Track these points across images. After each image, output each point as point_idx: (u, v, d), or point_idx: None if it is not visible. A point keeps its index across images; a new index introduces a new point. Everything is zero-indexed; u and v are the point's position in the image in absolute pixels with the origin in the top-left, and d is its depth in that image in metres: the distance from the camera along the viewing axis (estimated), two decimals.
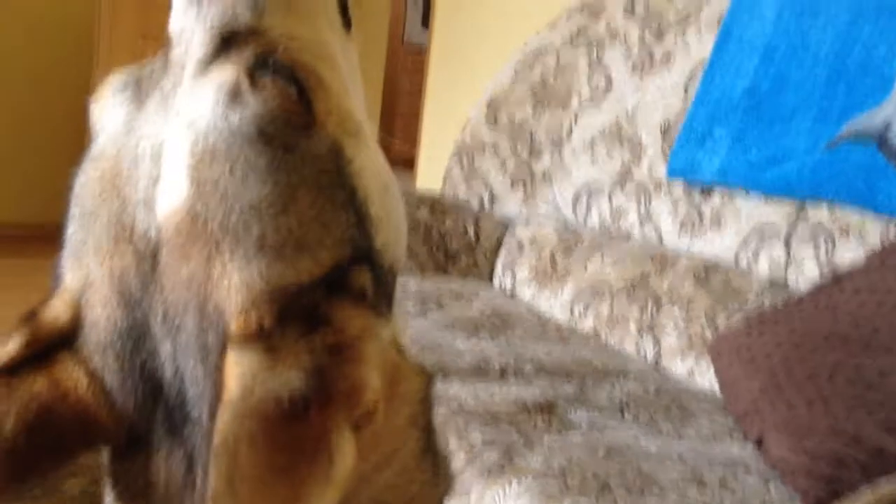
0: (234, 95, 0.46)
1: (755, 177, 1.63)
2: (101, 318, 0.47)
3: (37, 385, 0.47)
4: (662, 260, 1.76)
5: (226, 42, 0.48)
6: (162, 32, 0.51)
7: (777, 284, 1.57)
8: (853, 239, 1.48)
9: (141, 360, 0.46)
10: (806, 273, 1.53)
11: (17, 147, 4.07)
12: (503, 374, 1.45)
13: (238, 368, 0.42)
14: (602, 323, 1.78)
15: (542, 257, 2.02)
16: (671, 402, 1.39)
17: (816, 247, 1.53)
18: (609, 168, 1.97)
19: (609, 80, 2.05)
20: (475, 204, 2.21)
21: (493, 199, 2.19)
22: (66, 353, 0.48)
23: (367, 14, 4.48)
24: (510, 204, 2.17)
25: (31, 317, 0.49)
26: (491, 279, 2.13)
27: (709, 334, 1.57)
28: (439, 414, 1.23)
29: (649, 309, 1.70)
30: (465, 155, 2.26)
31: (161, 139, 0.47)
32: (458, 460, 1.14)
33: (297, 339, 0.44)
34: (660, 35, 1.97)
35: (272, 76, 0.47)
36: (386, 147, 0.55)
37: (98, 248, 0.48)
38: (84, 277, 0.48)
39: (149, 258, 0.46)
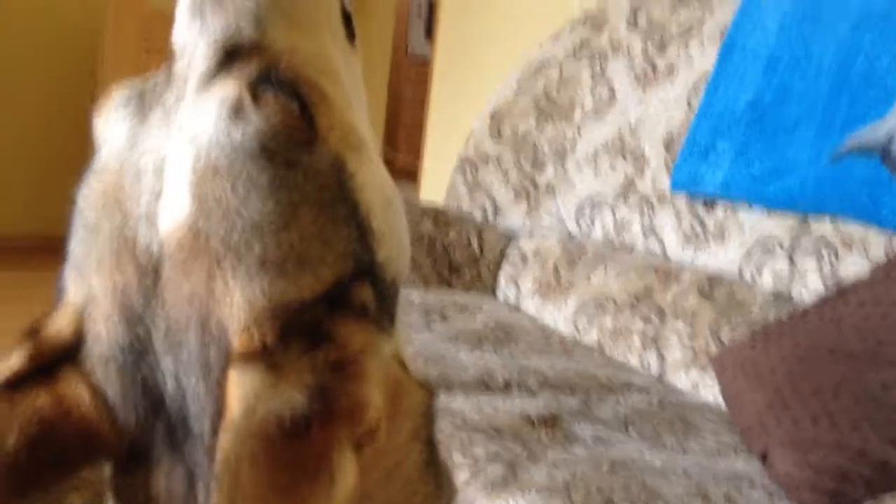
0: (237, 111, 0.46)
1: (758, 190, 1.63)
2: (103, 333, 0.47)
3: (40, 400, 0.47)
4: (666, 273, 1.76)
5: (229, 56, 0.48)
6: (166, 46, 0.51)
7: (781, 297, 1.57)
8: (857, 252, 1.48)
9: (142, 375, 0.46)
10: (810, 286, 1.53)
11: (22, 160, 4.08)
12: (507, 387, 1.45)
13: (240, 387, 0.42)
14: (606, 336, 1.78)
15: (546, 270, 2.01)
16: (675, 417, 1.39)
17: (820, 260, 1.53)
18: (612, 181, 1.97)
19: (612, 93, 2.05)
20: (479, 216, 2.21)
21: (496, 211, 2.19)
22: (68, 368, 0.48)
23: (371, 26, 4.49)
24: (514, 216, 2.17)
25: (33, 331, 0.49)
26: (494, 292, 2.13)
27: (713, 348, 1.56)
28: (443, 428, 1.22)
29: (653, 322, 1.69)
30: (469, 167, 2.26)
31: (163, 154, 0.47)
32: (462, 474, 1.13)
33: (299, 356, 0.44)
34: (663, 47, 1.98)
35: (274, 91, 0.47)
36: (389, 160, 0.55)
37: (100, 262, 0.47)
38: (86, 291, 0.48)
39: (151, 273, 0.46)
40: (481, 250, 2.15)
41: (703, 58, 1.87)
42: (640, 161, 1.93)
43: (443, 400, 1.33)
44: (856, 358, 1.21)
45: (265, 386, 0.42)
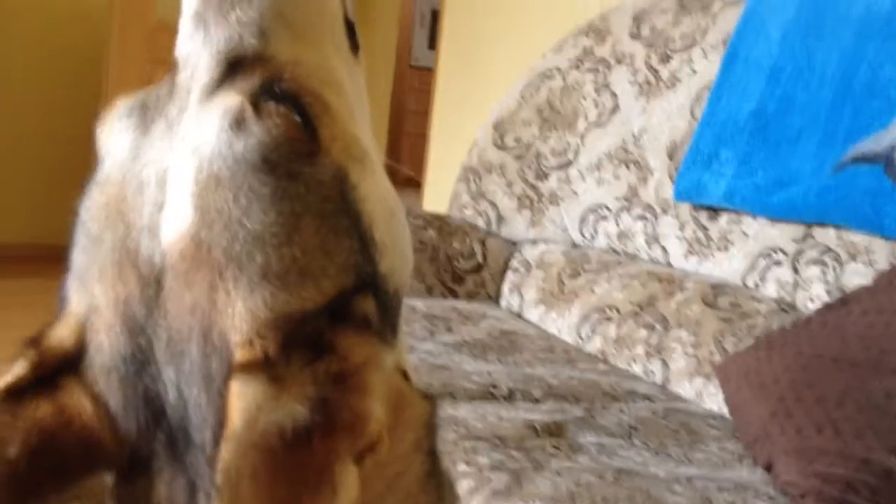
0: (239, 123, 0.46)
1: (761, 200, 1.63)
2: (105, 343, 0.47)
3: (42, 410, 0.47)
4: (670, 282, 1.76)
5: (232, 68, 0.48)
6: (171, 57, 0.51)
7: (785, 306, 1.57)
8: (860, 261, 1.47)
9: (144, 386, 0.46)
10: (814, 295, 1.53)
11: (26, 170, 4.09)
12: (511, 396, 1.44)
13: (242, 399, 0.42)
14: (609, 345, 1.77)
15: (549, 279, 2.01)
16: (680, 426, 1.39)
17: (824, 269, 1.53)
18: (616, 190, 1.97)
19: (615, 102, 2.06)
20: (482, 225, 2.21)
21: (500, 220, 2.19)
22: (71, 378, 0.48)
23: (374, 36, 4.51)
24: (517, 225, 2.17)
25: (36, 340, 0.49)
26: (498, 300, 2.13)
27: (717, 356, 1.56)
28: (447, 437, 1.22)
29: (657, 331, 1.69)
30: (472, 176, 2.26)
31: (166, 165, 0.47)
32: (466, 483, 1.13)
33: (301, 367, 0.44)
34: (665, 57, 1.98)
35: (277, 103, 0.47)
36: (392, 170, 0.55)
37: (103, 272, 0.48)
38: (89, 302, 0.48)
39: (153, 284, 0.46)
40: (485, 259, 2.15)
41: (705, 67, 1.87)
42: (643, 170, 1.93)
43: (447, 409, 1.33)
44: (859, 366, 1.21)
45: (267, 397, 0.42)
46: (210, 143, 0.46)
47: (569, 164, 2.10)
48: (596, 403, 1.45)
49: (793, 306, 1.57)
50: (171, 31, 0.52)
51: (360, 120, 0.53)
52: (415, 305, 1.86)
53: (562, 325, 1.91)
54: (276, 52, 0.49)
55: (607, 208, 1.99)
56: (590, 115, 2.11)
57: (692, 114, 1.86)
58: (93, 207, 0.49)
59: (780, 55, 1.68)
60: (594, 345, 1.81)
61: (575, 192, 2.07)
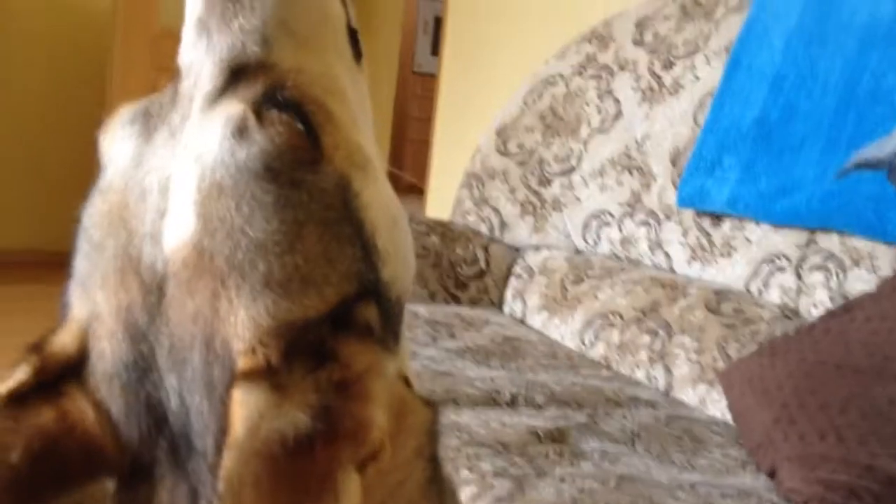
0: (241, 131, 0.46)
1: (765, 207, 1.63)
2: (108, 350, 0.47)
3: (44, 417, 0.47)
4: (673, 288, 1.76)
5: (235, 75, 0.49)
6: (175, 64, 0.51)
7: (788, 313, 1.57)
8: (864, 267, 1.47)
9: (146, 393, 0.47)
10: (817, 301, 1.53)
11: (31, 176, 4.10)
12: (514, 402, 1.44)
13: (244, 407, 0.42)
14: (613, 351, 1.77)
15: (552, 285, 2.01)
16: (683, 432, 1.38)
17: (827, 275, 1.53)
18: (619, 196, 1.97)
19: (618, 109, 2.06)
20: (485, 231, 2.21)
21: (503, 226, 2.19)
22: (73, 385, 0.48)
23: (377, 43, 4.51)
24: (520, 231, 2.17)
25: (38, 346, 0.49)
26: (501, 306, 2.13)
27: (720, 363, 1.56)
28: (450, 443, 1.22)
29: (660, 337, 1.69)
30: (475, 182, 2.26)
31: (168, 173, 0.47)
32: (469, 490, 1.13)
33: (303, 375, 0.44)
34: (668, 64, 1.98)
35: (279, 111, 0.47)
36: (396, 178, 0.55)
37: (105, 279, 0.48)
38: (91, 308, 0.48)
39: (155, 291, 0.46)
40: (488, 265, 2.15)
41: (708, 74, 1.87)
42: (646, 176, 1.93)
43: (450, 415, 1.33)
44: (863, 373, 1.21)
45: (269, 405, 0.42)
46: (213, 151, 0.46)
47: (572, 170, 2.11)
48: (599, 410, 1.45)
49: (796, 312, 1.57)
50: (174, 38, 0.52)
51: (362, 127, 0.53)
52: (418, 311, 1.86)
53: (565, 331, 1.91)
54: (279, 60, 0.50)
55: (610, 214, 1.99)
56: (593, 121, 2.11)
57: (695, 120, 1.86)
58: (95, 214, 0.49)
59: (783, 62, 1.68)
60: (597, 351, 1.81)
61: (578, 199, 2.07)
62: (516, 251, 2.18)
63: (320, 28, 0.53)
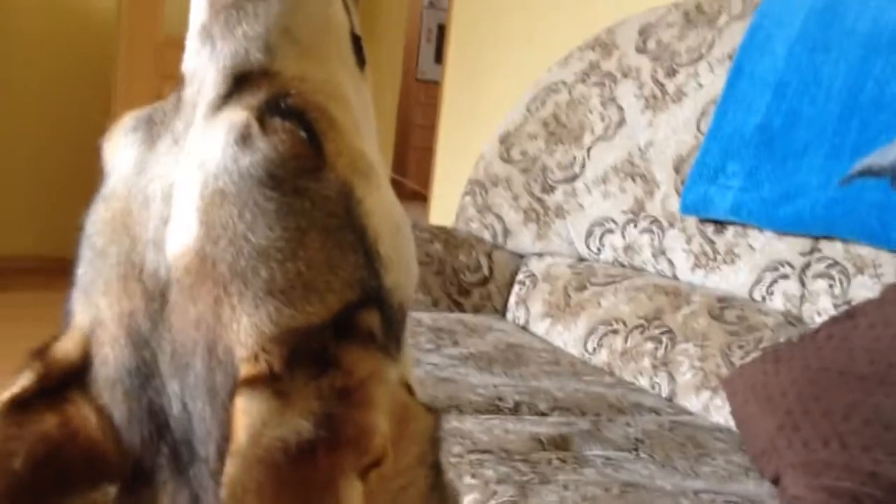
0: (244, 138, 0.46)
1: (768, 213, 1.63)
2: (110, 356, 0.47)
3: (47, 423, 0.47)
4: (676, 295, 1.76)
5: (238, 83, 0.49)
6: (178, 72, 0.51)
7: (792, 320, 1.57)
8: (867, 274, 1.47)
9: (148, 399, 0.47)
10: (821, 308, 1.53)
11: (36, 183, 4.11)
12: (517, 409, 1.44)
13: (247, 414, 0.42)
14: (616, 358, 1.77)
15: (556, 292, 2.01)
16: (686, 439, 1.38)
17: (831, 282, 1.52)
18: (622, 203, 1.97)
19: (621, 116, 2.06)
20: (488, 238, 2.21)
21: (506, 233, 2.19)
22: (76, 390, 0.48)
23: (381, 50, 4.52)
24: (523, 238, 2.18)
25: (42, 352, 0.49)
26: (504, 313, 2.13)
27: (724, 369, 1.56)
28: (453, 450, 1.22)
29: (663, 344, 1.69)
30: (479, 189, 2.27)
31: (172, 180, 0.47)
32: (472, 496, 1.13)
33: (306, 382, 0.44)
34: (671, 71, 1.98)
35: (283, 119, 0.47)
36: (399, 186, 0.55)
37: (108, 286, 0.48)
38: (94, 315, 0.48)
39: (158, 298, 0.46)
40: (491, 272, 2.15)
41: (711, 81, 1.87)
42: (649, 184, 1.93)
43: (453, 422, 1.33)
44: (866, 380, 1.20)
45: (272, 412, 0.42)
46: (216, 159, 0.46)
47: (575, 177, 2.11)
48: (602, 416, 1.45)
49: (800, 319, 1.57)
50: (178, 46, 0.52)
51: (366, 134, 0.53)
52: (421, 318, 1.86)
53: (568, 338, 1.91)
54: (283, 68, 0.50)
55: (613, 221, 1.99)
56: (596, 128, 2.11)
57: (698, 127, 1.86)
58: (98, 221, 0.49)
59: (786, 69, 1.68)
60: (600, 358, 1.80)
61: (581, 206, 2.07)
62: (519, 258, 2.18)
63: (324, 35, 0.53)
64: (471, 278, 2.13)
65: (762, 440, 1.28)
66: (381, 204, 0.50)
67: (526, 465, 1.21)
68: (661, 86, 1.99)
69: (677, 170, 1.87)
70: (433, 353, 1.67)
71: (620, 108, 2.07)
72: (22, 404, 0.47)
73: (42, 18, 4.06)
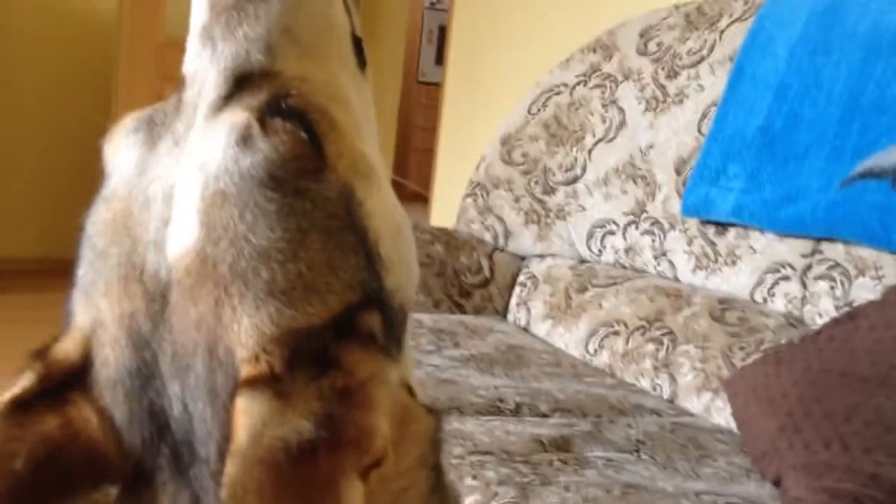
0: (245, 139, 0.46)
1: (769, 215, 1.63)
2: (111, 357, 0.47)
3: (48, 424, 0.47)
4: (678, 297, 1.76)
5: (239, 84, 0.49)
6: (180, 74, 0.51)
7: (793, 321, 1.56)
8: (868, 276, 1.47)
9: (149, 400, 0.47)
10: (822, 310, 1.52)
11: (36, 185, 4.11)
12: (518, 410, 1.44)
13: (247, 415, 0.42)
14: (617, 359, 1.77)
15: (557, 293, 2.01)
16: (688, 441, 1.38)
17: (832, 284, 1.52)
18: (623, 205, 1.97)
19: (622, 118, 2.06)
20: (489, 240, 2.21)
21: (507, 235, 2.19)
22: (77, 391, 0.48)
23: (382, 52, 4.52)
24: (524, 240, 2.18)
25: (42, 353, 0.49)
26: (505, 315, 2.13)
27: (725, 371, 1.55)
28: (455, 451, 1.22)
29: (664, 345, 1.69)
30: (480, 191, 2.27)
31: (172, 181, 0.47)
32: (473, 498, 1.13)
33: (306, 383, 0.44)
34: (673, 73, 1.98)
35: (284, 120, 0.47)
36: (400, 187, 0.55)
37: (108, 287, 0.48)
38: (94, 316, 0.48)
39: (158, 299, 0.46)
40: (492, 274, 2.15)
41: (713, 83, 1.87)
42: (650, 185, 1.93)
43: (454, 423, 1.33)
44: (867, 381, 1.20)
45: (272, 413, 0.42)
46: (216, 160, 0.46)
47: (576, 179, 2.11)
48: (603, 418, 1.45)
49: (801, 321, 1.57)
50: (179, 47, 0.52)
51: (367, 135, 0.53)
52: (422, 320, 1.86)
53: (569, 339, 1.91)
54: (284, 69, 0.50)
55: (615, 223, 1.99)
56: (597, 130, 2.11)
57: (699, 129, 1.86)
58: (99, 222, 0.49)
59: (788, 72, 1.68)
60: (601, 359, 1.80)
61: (582, 207, 2.07)
62: (521, 260, 2.18)
63: (325, 36, 0.53)
64: (472, 280, 2.13)
65: (763, 442, 1.28)
66: (382, 205, 0.50)
67: (527, 466, 1.21)
68: (663, 88, 1.99)
69: (678, 171, 1.87)
70: (434, 355, 1.67)
71: (621, 110, 2.07)
72: (23, 405, 0.47)
73: (43, 19, 4.07)
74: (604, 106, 2.12)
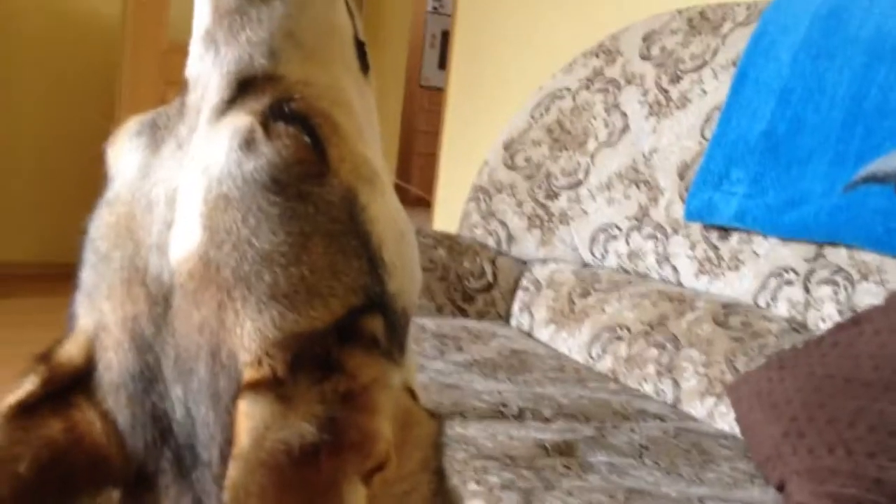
0: (248, 143, 0.46)
1: (773, 220, 1.63)
2: (114, 360, 0.47)
3: (52, 427, 0.47)
4: (681, 301, 1.75)
5: (242, 88, 0.49)
6: (183, 78, 0.52)
7: (797, 326, 1.56)
8: (872, 280, 1.47)
9: (152, 403, 0.47)
10: (825, 315, 1.52)
11: (40, 189, 4.12)
12: (521, 415, 1.44)
13: (250, 418, 0.42)
14: (620, 364, 1.77)
15: (560, 298, 2.01)
16: (691, 446, 1.38)
17: (836, 288, 1.52)
18: (626, 209, 1.97)
19: (625, 122, 2.06)
20: (492, 244, 2.21)
21: (510, 239, 2.19)
22: (80, 395, 0.48)
23: (385, 56, 4.53)
24: (527, 245, 2.17)
25: (46, 357, 0.49)
26: (508, 319, 2.13)
27: (728, 376, 1.55)
28: (457, 457, 1.22)
29: (668, 350, 1.69)
30: (483, 196, 2.27)
31: (175, 184, 0.47)
32: (476, 503, 1.12)
33: (309, 386, 0.44)
34: (676, 77, 1.98)
35: (287, 124, 0.47)
36: (403, 192, 0.55)
37: (111, 290, 0.48)
38: (97, 319, 0.48)
39: (161, 302, 0.46)
40: (495, 278, 2.15)
41: (716, 88, 1.87)
42: (653, 190, 1.93)
43: (457, 428, 1.32)
44: (871, 386, 1.20)
45: (275, 416, 0.42)
46: (219, 163, 0.46)
47: (579, 183, 2.11)
48: (607, 423, 1.44)
49: (804, 326, 1.56)
50: (183, 52, 0.52)
51: (369, 139, 0.53)
52: (425, 324, 1.86)
53: (572, 344, 1.90)
54: (287, 73, 0.50)
55: (618, 228, 1.99)
56: (600, 134, 2.11)
57: (702, 134, 1.86)
58: (102, 226, 0.49)
59: (791, 76, 1.68)
60: (605, 364, 1.80)
61: (585, 212, 2.07)
62: (523, 264, 2.18)
63: (328, 40, 0.53)
64: (475, 284, 2.13)
65: (767, 447, 1.27)
66: (384, 210, 0.50)
67: (530, 471, 1.20)
68: (665, 92, 1.99)
69: (681, 176, 1.87)
70: (437, 360, 1.67)
71: (624, 115, 2.07)
72: (27, 409, 0.47)
73: (47, 23, 4.08)
74: (607, 110, 2.12)
